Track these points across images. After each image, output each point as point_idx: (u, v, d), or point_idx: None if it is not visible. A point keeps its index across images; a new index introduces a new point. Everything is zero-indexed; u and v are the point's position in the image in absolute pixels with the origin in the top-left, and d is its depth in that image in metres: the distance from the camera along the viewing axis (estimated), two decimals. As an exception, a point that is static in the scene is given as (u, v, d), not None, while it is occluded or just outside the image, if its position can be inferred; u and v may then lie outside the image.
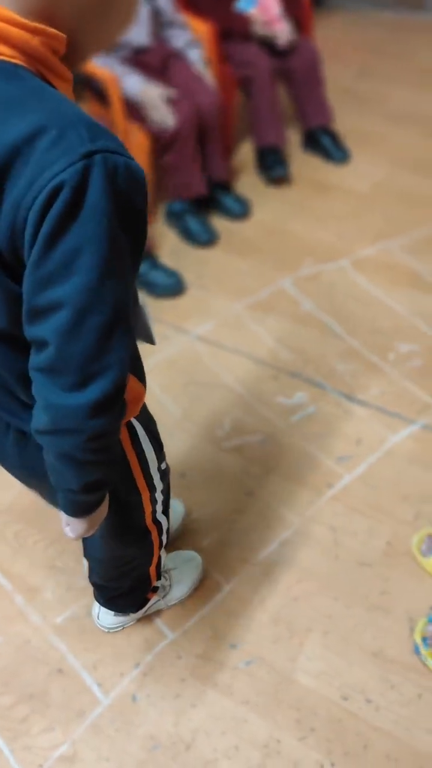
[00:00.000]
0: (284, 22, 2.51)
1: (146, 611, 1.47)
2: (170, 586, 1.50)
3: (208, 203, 2.58)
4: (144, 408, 1.03)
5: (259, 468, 1.78)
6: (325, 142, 2.80)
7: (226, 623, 1.47)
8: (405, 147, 2.91)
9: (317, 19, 3.89)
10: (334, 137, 2.82)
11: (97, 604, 1.46)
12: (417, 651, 1.41)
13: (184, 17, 2.36)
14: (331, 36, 3.77)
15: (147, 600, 1.44)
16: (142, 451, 1.05)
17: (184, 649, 1.44)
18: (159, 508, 1.19)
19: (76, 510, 0.88)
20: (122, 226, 0.64)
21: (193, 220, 2.46)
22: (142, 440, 1.04)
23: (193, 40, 2.35)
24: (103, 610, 1.45)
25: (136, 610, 1.45)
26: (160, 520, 1.23)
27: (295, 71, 2.59)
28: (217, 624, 1.47)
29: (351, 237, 2.48)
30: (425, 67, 3.42)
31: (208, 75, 2.37)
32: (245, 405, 1.94)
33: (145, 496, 1.12)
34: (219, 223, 2.58)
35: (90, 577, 1.37)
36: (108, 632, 1.48)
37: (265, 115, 2.57)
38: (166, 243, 2.51)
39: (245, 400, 1.95)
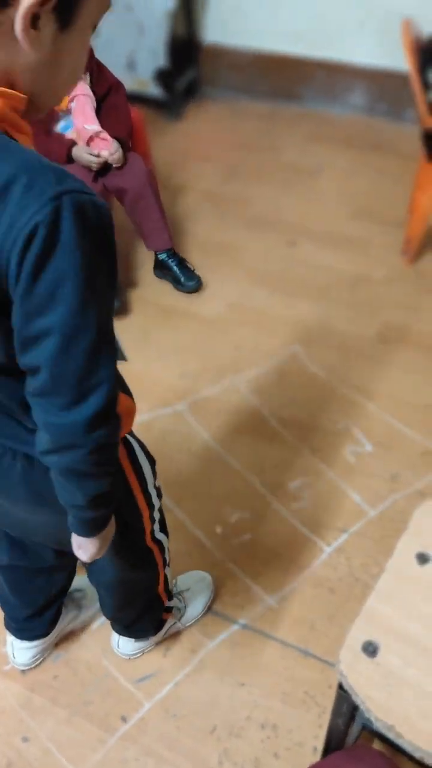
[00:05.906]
0: (106, 141, 2.29)
1: (165, 634, 1.52)
2: (185, 607, 1.55)
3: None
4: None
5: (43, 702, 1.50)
6: (174, 269, 2.58)
7: None
8: (263, 259, 2.71)
9: (191, 112, 3.77)
10: (181, 263, 2.60)
11: (114, 635, 1.50)
12: None
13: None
14: (203, 131, 3.63)
15: (164, 621, 1.48)
16: (140, 467, 1.09)
17: None
18: (157, 527, 1.24)
19: (87, 528, 0.93)
20: (95, 254, 0.70)
21: None
22: (139, 456, 1.08)
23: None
24: (123, 639, 1.49)
25: (155, 633, 1.48)
26: (159, 538, 1.27)
27: (125, 193, 2.38)
28: None
29: (194, 374, 2.25)
30: (291, 161, 3.29)
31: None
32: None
33: (145, 514, 1.17)
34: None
35: (104, 614, 1.43)
36: (129, 659, 1.52)
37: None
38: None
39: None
